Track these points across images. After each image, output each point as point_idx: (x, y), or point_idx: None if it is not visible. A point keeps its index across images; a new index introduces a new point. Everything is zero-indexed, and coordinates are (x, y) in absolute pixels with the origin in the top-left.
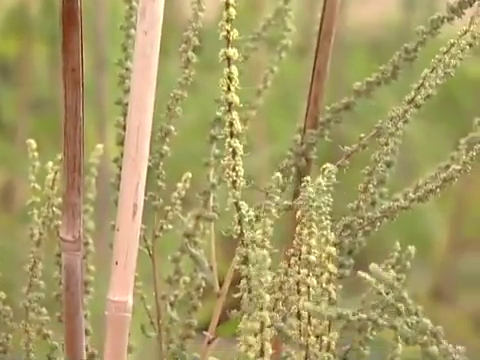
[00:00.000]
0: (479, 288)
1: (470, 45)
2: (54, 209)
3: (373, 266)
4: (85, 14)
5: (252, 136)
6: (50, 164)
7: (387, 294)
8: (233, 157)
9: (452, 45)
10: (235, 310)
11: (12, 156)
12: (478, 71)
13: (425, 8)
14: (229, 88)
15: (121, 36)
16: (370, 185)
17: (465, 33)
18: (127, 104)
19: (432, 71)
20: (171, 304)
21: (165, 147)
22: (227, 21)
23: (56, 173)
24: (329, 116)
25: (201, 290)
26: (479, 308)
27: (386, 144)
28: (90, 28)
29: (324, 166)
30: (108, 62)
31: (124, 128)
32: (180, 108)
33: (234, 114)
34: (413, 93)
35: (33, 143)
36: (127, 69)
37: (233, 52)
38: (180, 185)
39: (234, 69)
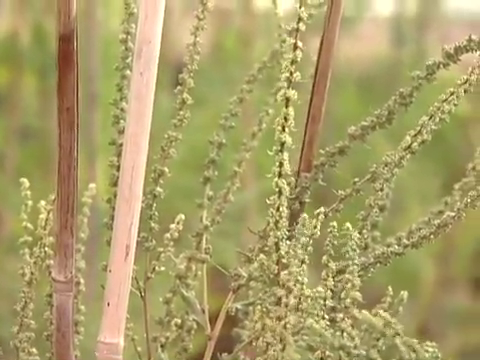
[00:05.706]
0: (466, 326)
1: (465, 91)
2: (46, 249)
3: (364, 314)
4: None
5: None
6: (43, 203)
7: (378, 340)
8: (279, 197)
9: (452, 94)
10: (226, 354)
11: (0, 185)
12: (464, 109)
13: (414, 44)
14: (284, 128)
15: (114, 74)
16: (364, 230)
17: (465, 82)
18: (121, 145)
19: (430, 118)
20: (162, 346)
21: (158, 188)
22: (292, 63)
23: (49, 213)
24: (323, 160)
25: (192, 332)
26: (466, 346)
27: (381, 190)
28: (82, 66)
29: (317, 211)
30: (100, 100)
31: (118, 169)
32: (174, 149)
33: (285, 155)
34: (409, 140)
35: (26, 182)
36: (122, 109)
37: (293, 93)
38: (173, 226)
39: (291, 110)
